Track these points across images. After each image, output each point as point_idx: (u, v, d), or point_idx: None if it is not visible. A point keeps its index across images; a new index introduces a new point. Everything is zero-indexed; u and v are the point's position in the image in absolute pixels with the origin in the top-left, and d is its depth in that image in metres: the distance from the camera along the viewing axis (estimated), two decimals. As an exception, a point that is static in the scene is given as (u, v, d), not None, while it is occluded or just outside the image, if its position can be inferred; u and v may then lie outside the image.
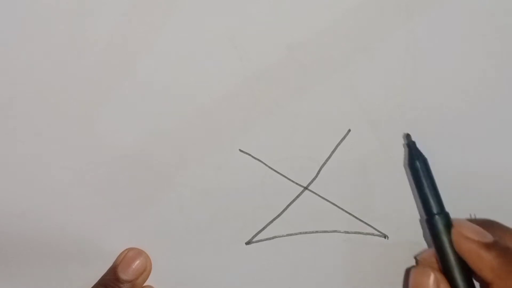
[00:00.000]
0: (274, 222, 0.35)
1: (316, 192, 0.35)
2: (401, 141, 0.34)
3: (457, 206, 0.32)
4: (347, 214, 0.35)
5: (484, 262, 0.28)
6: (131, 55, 0.35)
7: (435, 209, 0.31)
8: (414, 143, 0.32)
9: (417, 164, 0.32)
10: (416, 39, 0.34)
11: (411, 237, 0.35)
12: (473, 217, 0.33)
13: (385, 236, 0.35)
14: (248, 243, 0.36)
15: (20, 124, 0.35)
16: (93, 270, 0.35)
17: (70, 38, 0.35)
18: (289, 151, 0.35)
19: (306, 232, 0.35)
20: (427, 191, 0.31)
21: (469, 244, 0.29)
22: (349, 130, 0.34)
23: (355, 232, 0.35)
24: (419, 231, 0.34)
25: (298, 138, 0.35)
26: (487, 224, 0.31)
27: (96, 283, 0.35)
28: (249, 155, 0.35)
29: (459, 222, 0.30)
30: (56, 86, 0.35)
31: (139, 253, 0.36)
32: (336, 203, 0.35)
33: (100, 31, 0.34)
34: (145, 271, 0.35)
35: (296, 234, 0.36)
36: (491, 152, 0.34)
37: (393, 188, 0.34)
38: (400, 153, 0.34)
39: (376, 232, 0.35)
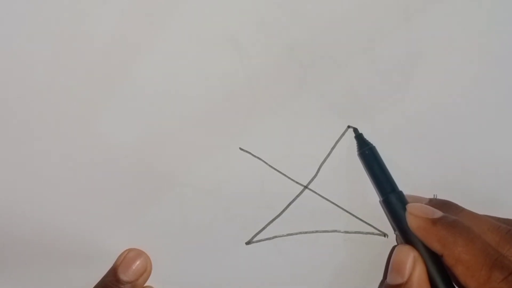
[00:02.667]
0: (274, 222, 0.35)
1: (316, 191, 0.35)
2: (400, 140, 0.35)
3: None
4: (347, 214, 0.35)
5: (431, 235, 0.30)
6: (131, 55, 0.35)
7: (388, 189, 0.33)
8: (361, 134, 0.34)
9: (366, 152, 0.33)
10: (416, 39, 0.34)
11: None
12: (435, 197, 0.34)
13: (385, 235, 0.35)
14: (248, 243, 0.36)
15: (21, 124, 0.35)
16: (93, 271, 0.35)
17: (70, 38, 0.35)
18: (289, 149, 0.35)
19: (306, 232, 0.35)
20: (379, 174, 0.33)
21: (418, 221, 0.30)
22: (348, 127, 0.35)
23: (355, 232, 0.35)
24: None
25: (297, 136, 0.35)
26: (444, 204, 0.32)
27: (97, 284, 0.35)
28: (249, 153, 0.35)
29: (410, 205, 0.32)
30: (57, 86, 0.35)
31: (139, 253, 0.35)
32: (336, 202, 0.35)
33: (100, 31, 0.34)
34: (146, 271, 0.35)
35: (296, 233, 0.36)
36: (491, 149, 0.35)
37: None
38: (398, 152, 0.35)
39: (376, 231, 0.35)
